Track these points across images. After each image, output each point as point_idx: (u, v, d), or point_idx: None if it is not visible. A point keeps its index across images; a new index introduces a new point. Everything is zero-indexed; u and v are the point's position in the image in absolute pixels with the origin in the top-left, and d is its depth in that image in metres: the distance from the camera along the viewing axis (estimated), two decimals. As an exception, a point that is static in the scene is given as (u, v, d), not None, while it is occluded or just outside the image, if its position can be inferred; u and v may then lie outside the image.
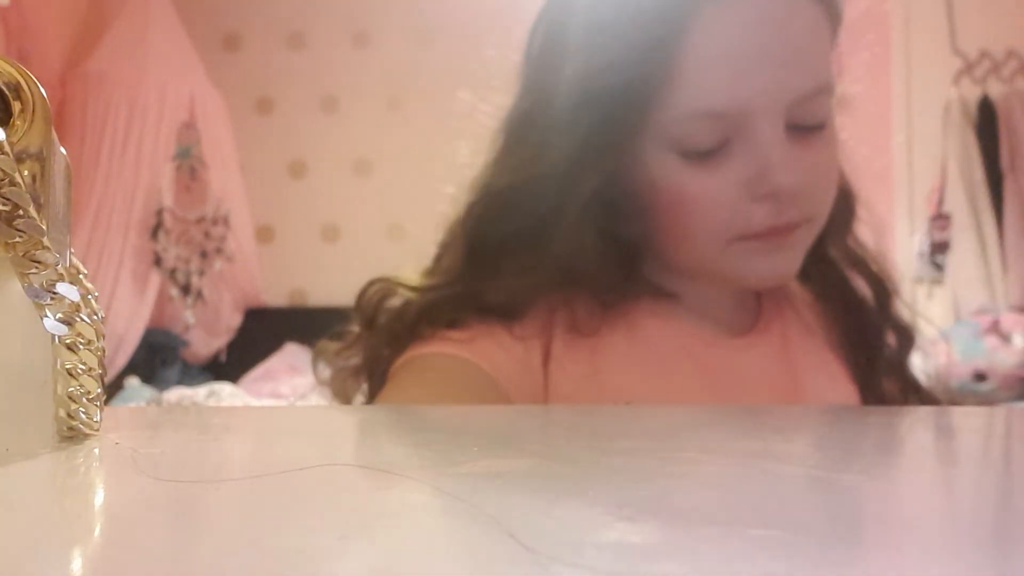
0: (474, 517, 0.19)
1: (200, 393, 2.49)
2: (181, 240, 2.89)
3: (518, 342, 0.58)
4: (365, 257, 2.90)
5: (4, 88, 0.27)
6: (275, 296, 3.25)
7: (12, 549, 0.17)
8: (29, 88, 0.27)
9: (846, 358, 0.67)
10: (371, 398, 0.62)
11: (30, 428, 0.28)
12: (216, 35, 3.25)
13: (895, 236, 2.64)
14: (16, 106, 0.27)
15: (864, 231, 0.67)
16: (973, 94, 2.69)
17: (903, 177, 2.74)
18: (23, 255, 0.25)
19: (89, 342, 0.29)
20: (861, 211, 0.67)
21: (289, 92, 3.28)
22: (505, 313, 0.59)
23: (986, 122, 2.65)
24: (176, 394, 2.52)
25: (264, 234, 3.28)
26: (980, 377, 2.18)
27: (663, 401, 0.58)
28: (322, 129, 3.27)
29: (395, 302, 0.63)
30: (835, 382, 0.65)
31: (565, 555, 0.16)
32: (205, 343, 3.04)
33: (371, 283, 0.64)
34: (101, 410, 0.30)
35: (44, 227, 0.26)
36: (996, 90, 2.68)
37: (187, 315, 2.93)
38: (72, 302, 0.27)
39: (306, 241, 3.29)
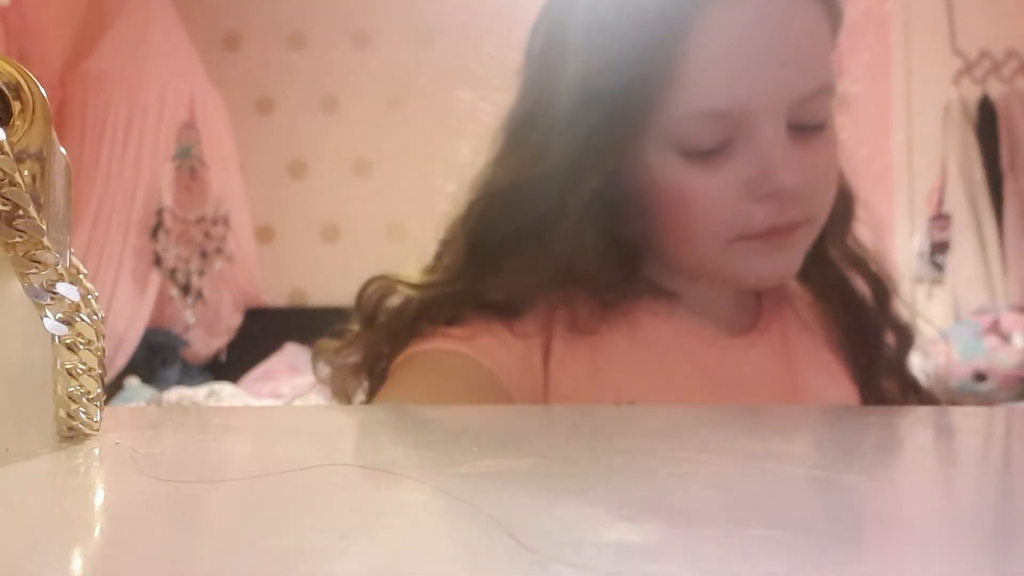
0: (474, 517, 0.19)
1: (200, 393, 2.49)
2: (181, 240, 2.89)
3: (519, 340, 0.58)
4: (365, 257, 2.89)
5: (4, 88, 0.27)
6: (275, 296, 3.25)
7: (12, 549, 0.17)
8: (29, 88, 0.27)
9: (846, 358, 0.67)
10: (371, 396, 0.62)
11: (30, 428, 0.28)
12: (216, 35, 3.25)
13: (895, 236, 2.65)
14: (16, 106, 0.27)
15: (863, 231, 0.68)
16: (973, 94, 2.69)
17: (903, 177, 2.74)
18: (23, 255, 0.25)
19: (89, 342, 0.29)
20: (860, 211, 0.67)
21: (289, 92, 3.28)
22: (505, 311, 0.59)
23: (986, 122, 2.65)
24: (176, 394, 2.52)
25: (264, 234, 3.29)
26: (980, 377, 2.18)
27: (663, 400, 0.58)
28: (322, 129, 3.27)
29: (395, 300, 0.63)
30: (835, 382, 0.65)
31: (565, 555, 0.16)
32: (205, 343, 3.04)
33: (371, 281, 0.64)
34: (101, 410, 0.30)
35: (44, 227, 0.26)
36: (996, 90, 2.68)
37: (187, 315, 2.93)
38: (72, 302, 0.27)
39: (306, 241, 3.29)
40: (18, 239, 0.25)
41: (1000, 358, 2.21)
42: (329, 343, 0.66)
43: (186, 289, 2.93)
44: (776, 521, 0.19)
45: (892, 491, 0.24)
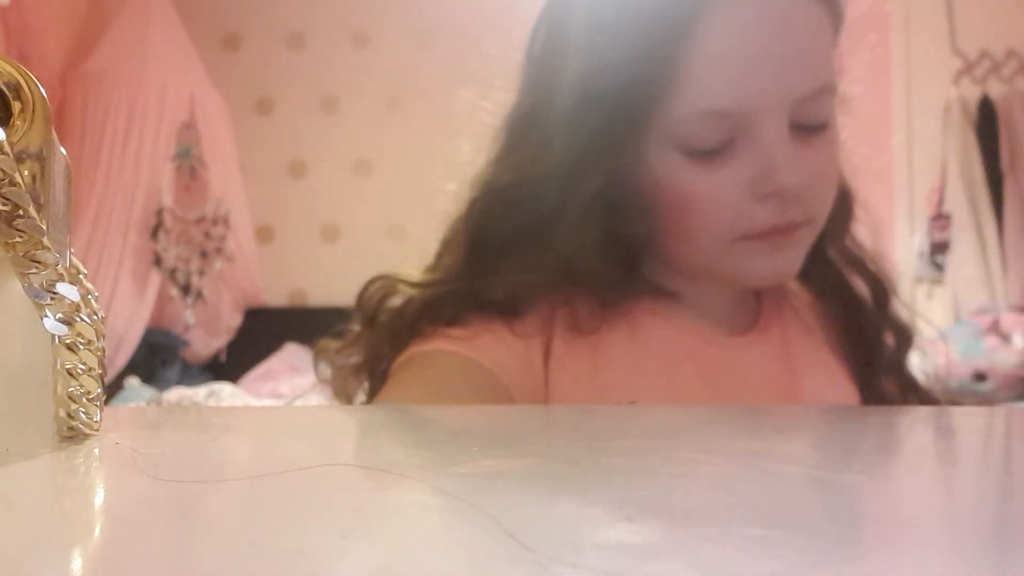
0: (474, 517, 0.19)
1: (200, 393, 2.49)
2: (181, 240, 2.89)
3: (519, 339, 0.58)
4: (365, 257, 2.89)
5: (4, 88, 0.27)
6: (275, 296, 3.25)
7: (12, 549, 0.17)
8: (29, 88, 0.27)
9: (845, 358, 0.67)
10: (372, 396, 0.62)
11: (30, 428, 0.28)
12: (216, 35, 3.25)
13: (895, 236, 2.65)
14: (16, 106, 0.27)
15: (862, 231, 0.68)
16: (973, 94, 2.69)
17: (903, 177, 2.74)
18: (23, 255, 0.25)
19: (89, 342, 0.29)
20: (859, 211, 0.67)
21: (289, 92, 3.28)
22: (506, 310, 0.59)
23: (986, 122, 2.65)
24: (176, 394, 2.52)
25: (264, 234, 3.29)
26: (980, 377, 2.18)
27: (663, 400, 0.58)
28: (322, 129, 3.27)
29: (396, 300, 0.63)
30: (835, 382, 0.65)
31: (565, 555, 0.16)
32: (205, 343, 3.04)
33: (372, 281, 0.64)
34: (101, 410, 0.30)
35: (44, 227, 0.26)
36: (996, 90, 2.68)
37: (187, 315, 2.93)
38: (72, 302, 0.27)
39: (306, 241, 3.29)
40: (18, 239, 0.25)
41: (1000, 358, 2.21)
42: (330, 343, 0.66)
43: (186, 289, 2.93)
44: (776, 521, 0.19)
45: (892, 491, 0.24)
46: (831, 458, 0.30)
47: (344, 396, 0.64)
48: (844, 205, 0.65)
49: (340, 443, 0.35)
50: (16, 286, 0.26)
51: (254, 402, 2.50)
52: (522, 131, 0.62)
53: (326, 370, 0.65)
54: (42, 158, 0.27)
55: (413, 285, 0.62)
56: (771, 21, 0.55)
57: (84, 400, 0.29)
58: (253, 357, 2.91)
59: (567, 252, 0.59)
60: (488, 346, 0.57)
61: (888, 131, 2.72)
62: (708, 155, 0.56)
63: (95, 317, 0.30)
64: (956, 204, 2.64)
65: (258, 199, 3.19)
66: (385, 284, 0.64)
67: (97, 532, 0.19)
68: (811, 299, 0.69)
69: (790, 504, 0.22)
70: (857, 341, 0.67)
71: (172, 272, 2.89)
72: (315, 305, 3.21)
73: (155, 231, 2.83)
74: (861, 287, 0.67)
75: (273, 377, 2.78)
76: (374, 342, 0.62)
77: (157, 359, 2.84)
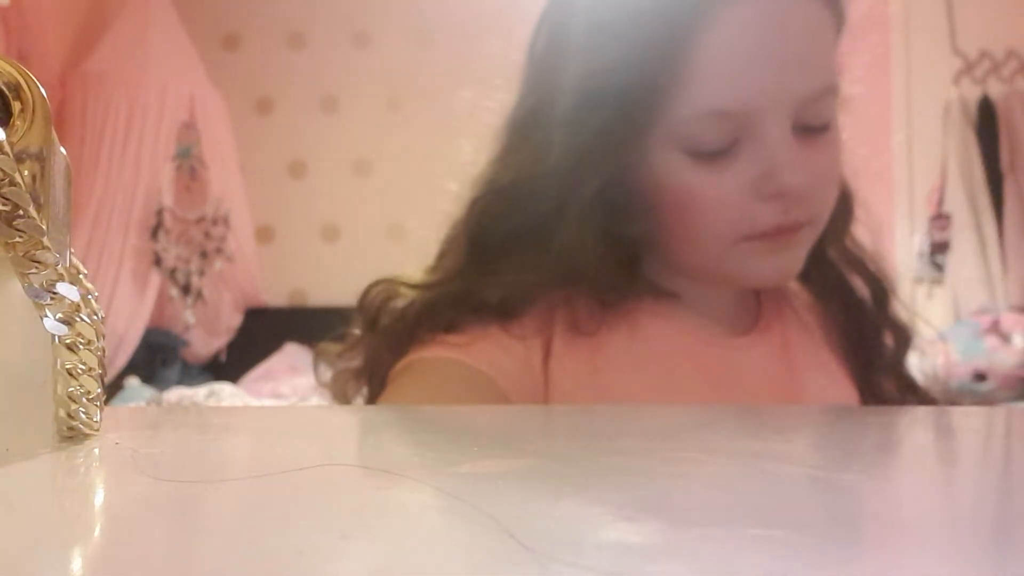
0: (474, 517, 0.19)
1: (200, 393, 2.49)
2: (181, 240, 2.89)
3: (517, 341, 0.58)
4: (365, 257, 2.90)
5: (4, 88, 0.27)
6: (275, 296, 3.25)
7: (12, 549, 0.17)
8: (29, 88, 0.27)
9: (845, 358, 0.67)
10: (371, 402, 0.62)
11: (30, 428, 0.28)
12: (216, 35, 3.25)
13: (895, 236, 2.65)
14: (16, 106, 0.27)
15: (862, 231, 0.68)
16: (973, 94, 2.69)
17: (903, 177, 2.75)
18: (23, 255, 0.25)
19: (89, 342, 0.29)
20: (859, 211, 0.67)
21: (289, 92, 3.28)
22: (503, 312, 0.59)
23: (986, 122, 2.65)
24: (176, 394, 2.51)
25: (264, 234, 3.29)
26: (980, 377, 2.18)
27: (663, 401, 0.58)
28: (322, 129, 3.27)
29: (398, 303, 0.63)
30: (835, 382, 0.65)
31: (565, 555, 0.16)
32: (205, 343, 3.04)
33: (374, 284, 0.64)
34: (101, 410, 0.30)
35: (44, 227, 0.26)
36: (996, 90, 2.68)
37: (187, 315, 2.93)
38: (72, 302, 0.27)
39: (306, 241, 3.29)
40: (18, 239, 0.25)
41: (1000, 358, 2.21)
42: (331, 347, 0.66)
43: (186, 289, 2.93)
44: (776, 521, 0.19)
45: (892, 491, 0.24)
46: (831, 458, 0.30)
47: (343, 400, 0.64)
48: (844, 205, 0.65)
49: (340, 443, 0.35)
50: (16, 286, 0.26)
51: (254, 402, 2.50)
52: (523, 131, 0.62)
53: (326, 373, 0.65)
54: (42, 158, 0.27)
55: (414, 287, 0.62)
56: (775, 21, 0.55)
57: (84, 400, 0.29)
58: (253, 357, 2.91)
59: (567, 252, 0.59)
60: (485, 351, 0.57)
61: (888, 131, 2.72)
62: (711, 155, 0.56)
63: (95, 317, 0.30)
64: (956, 204, 2.64)
65: (258, 199, 3.19)
66: (387, 288, 0.64)
67: (97, 532, 0.19)
68: (811, 299, 0.69)
69: (790, 504, 0.22)
70: (857, 341, 0.67)
71: (172, 272, 2.89)
72: (315, 305, 3.21)
73: (155, 231, 2.83)
74: (861, 287, 0.67)
75: (273, 377, 2.78)
76: (374, 347, 0.62)
77: (157, 359, 2.84)
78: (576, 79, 0.58)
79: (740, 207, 0.56)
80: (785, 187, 0.55)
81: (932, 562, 0.17)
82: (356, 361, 0.64)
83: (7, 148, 0.25)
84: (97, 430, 0.30)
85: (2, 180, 0.24)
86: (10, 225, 0.25)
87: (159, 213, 2.83)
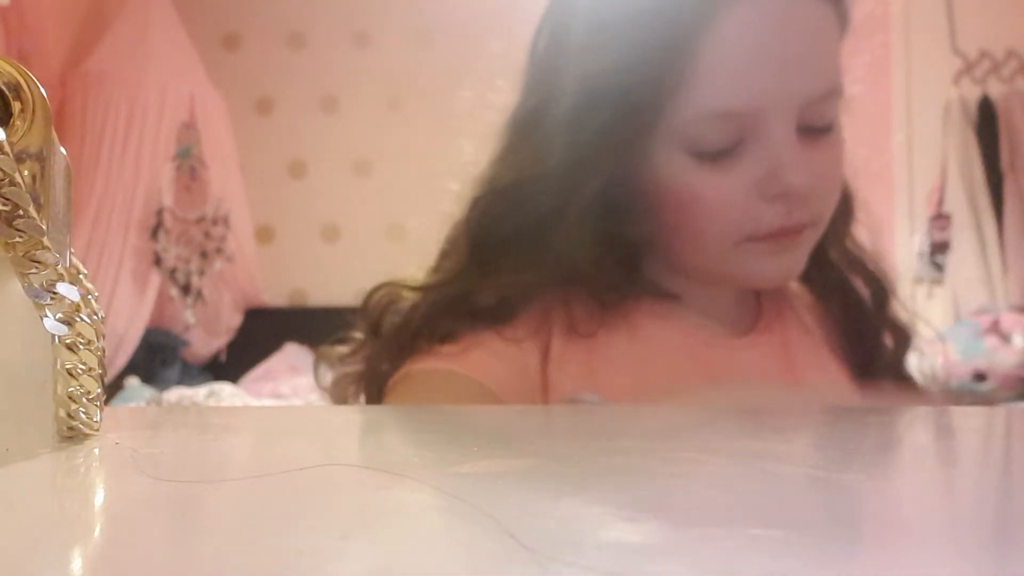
0: (474, 517, 0.19)
1: (200, 393, 2.49)
2: (181, 240, 2.89)
3: (511, 344, 0.58)
4: (365, 257, 2.90)
5: (4, 88, 0.27)
6: (275, 296, 3.25)
7: (12, 549, 0.17)
8: (29, 88, 0.27)
9: (845, 358, 0.67)
10: None
11: (30, 428, 0.28)
12: (216, 35, 3.25)
13: (895, 236, 2.65)
14: (16, 106, 0.27)
15: (862, 232, 0.68)
16: (973, 94, 2.69)
17: (903, 177, 2.75)
18: (23, 255, 0.25)
19: (89, 342, 0.29)
20: (859, 212, 0.67)
21: (289, 92, 3.28)
22: (497, 316, 0.59)
23: (986, 122, 2.65)
24: (176, 394, 2.51)
25: (264, 234, 3.28)
26: (980, 377, 2.18)
27: (663, 401, 0.58)
28: (322, 129, 3.27)
29: (401, 306, 0.62)
30: (835, 382, 0.65)
31: (565, 555, 0.16)
32: (205, 343, 3.04)
33: (376, 288, 0.64)
34: (101, 410, 0.30)
35: (44, 227, 0.26)
36: (996, 90, 2.68)
37: (187, 315, 2.93)
38: (72, 302, 0.27)
39: (306, 241, 3.29)
40: (18, 239, 0.25)
41: (1000, 358, 2.21)
42: (332, 350, 0.66)
43: (186, 289, 2.93)
44: (776, 521, 0.19)
45: (892, 491, 0.24)
46: (831, 458, 0.30)
47: (343, 404, 0.64)
48: (845, 206, 0.65)
49: (340, 443, 0.35)
50: (16, 286, 0.26)
51: (254, 402, 2.50)
52: (525, 130, 0.62)
53: (326, 376, 0.65)
54: (42, 158, 0.27)
55: (416, 289, 0.62)
56: (779, 22, 0.55)
57: (84, 400, 0.29)
58: (253, 357, 2.91)
59: (567, 252, 0.59)
60: (478, 359, 0.57)
61: (888, 131, 2.72)
62: (715, 156, 0.56)
63: (95, 317, 0.30)
64: (956, 204, 2.64)
65: (258, 199, 3.19)
66: (389, 291, 0.63)
67: (97, 532, 0.19)
68: (812, 300, 0.69)
69: (790, 504, 0.22)
70: (856, 342, 0.67)
71: (172, 272, 2.89)
72: (315, 305, 3.21)
73: (155, 231, 2.83)
74: (861, 288, 0.67)
75: (273, 377, 2.78)
76: (375, 354, 0.62)
77: (157, 359, 2.84)
78: (578, 79, 0.58)
79: (743, 208, 0.56)
80: (789, 188, 0.55)
81: (932, 562, 0.17)
82: (357, 366, 0.64)
83: (7, 148, 0.25)
84: (97, 430, 0.30)
85: (2, 180, 0.24)
86: (10, 225, 0.25)
87: (159, 213, 2.83)
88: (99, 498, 0.23)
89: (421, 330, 0.60)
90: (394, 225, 3.12)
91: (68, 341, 0.28)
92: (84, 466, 0.26)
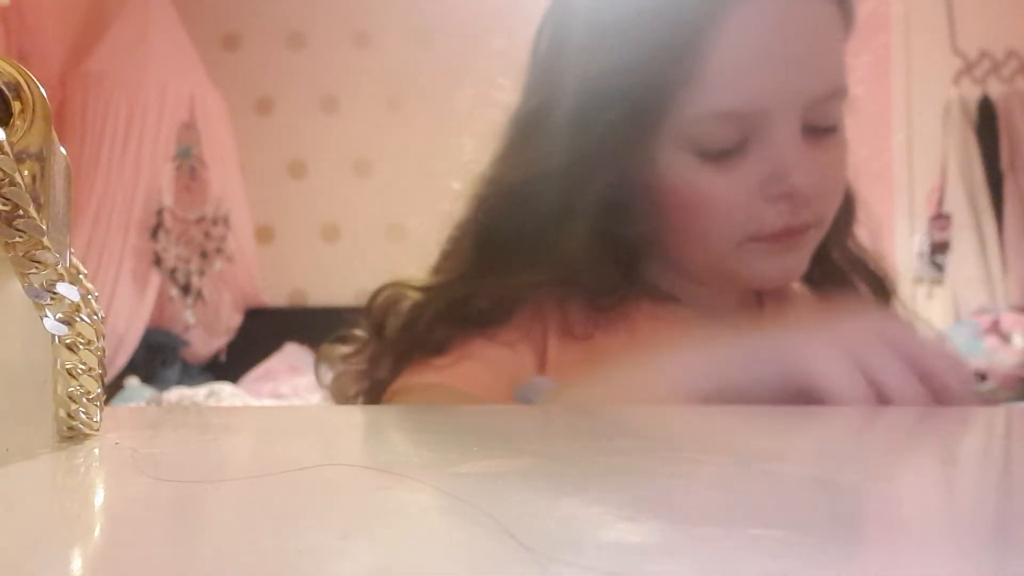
0: (474, 517, 0.19)
1: (200, 393, 2.49)
2: (181, 240, 2.89)
3: (504, 348, 0.58)
4: (365, 257, 2.90)
5: (4, 88, 0.27)
6: (275, 296, 3.25)
7: (12, 549, 0.17)
8: (29, 88, 0.27)
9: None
10: None
11: (30, 428, 0.28)
12: (216, 35, 3.25)
13: (895, 236, 2.65)
14: (16, 106, 0.27)
15: (862, 232, 0.68)
16: (973, 94, 2.69)
17: (903, 177, 2.75)
18: (23, 255, 0.25)
19: (89, 342, 0.29)
20: (860, 212, 0.67)
21: (289, 92, 3.28)
22: (491, 320, 0.59)
23: (986, 122, 2.66)
24: (176, 394, 2.52)
25: (264, 234, 3.29)
26: (980, 377, 2.18)
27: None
28: (322, 129, 3.27)
29: (403, 305, 0.62)
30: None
31: (565, 555, 0.16)
32: (205, 343, 3.04)
33: (381, 289, 0.64)
34: (101, 410, 0.30)
35: (44, 227, 0.26)
36: (996, 90, 2.68)
37: (187, 315, 2.93)
38: (72, 302, 0.27)
39: (306, 241, 3.29)
40: (18, 239, 0.25)
41: (1000, 358, 2.21)
42: (334, 349, 0.66)
43: (186, 289, 2.93)
44: (776, 521, 0.19)
45: (892, 491, 0.24)
46: (831, 458, 0.30)
47: (343, 402, 0.64)
48: (847, 206, 0.65)
49: (340, 443, 0.35)
50: (16, 286, 0.26)
51: (254, 402, 2.50)
52: (527, 129, 0.62)
53: (327, 375, 0.65)
54: (42, 158, 0.27)
55: (420, 290, 0.62)
56: (784, 22, 0.55)
57: (84, 400, 0.29)
58: (253, 357, 2.91)
59: (570, 253, 0.59)
60: (469, 371, 0.57)
61: (888, 131, 2.72)
62: (719, 156, 0.56)
63: (95, 317, 0.30)
64: (956, 204, 2.64)
65: (258, 199, 3.19)
66: (394, 292, 0.63)
67: (97, 532, 0.19)
68: (813, 300, 0.69)
69: (790, 504, 0.22)
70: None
71: (172, 272, 2.89)
72: (315, 305, 3.21)
73: (155, 231, 2.83)
74: (862, 288, 0.67)
75: (273, 377, 2.79)
76: (377, 356, 0.62)
77: (157, 359, 2.84)
78: (582, 79, 0.58)
79: (747, 208, 0.56)
80: (793, 188, 0.55)
81: (932, 562, 0.17)
82: (360, 365, 0.64)
83: (7, 148, 0.25)
84: (97, 430, 0.30)
85: (2, 180, 0.24)
86: (10, 225, 0.25)
87: (159, 213, 2.83)
88: (99, 498, 0.23)
89: (420, 340, 0.59)
90: (394, 225, 3.12)
91: (68, 341, 0.28)
92: (84, 466, 0.26)
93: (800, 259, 0.59)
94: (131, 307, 2.77)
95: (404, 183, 2.95)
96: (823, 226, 0.59)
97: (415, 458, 0.28)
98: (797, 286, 0.69)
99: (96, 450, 0.28)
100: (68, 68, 2.79)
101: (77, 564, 0.17)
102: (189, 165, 2.91)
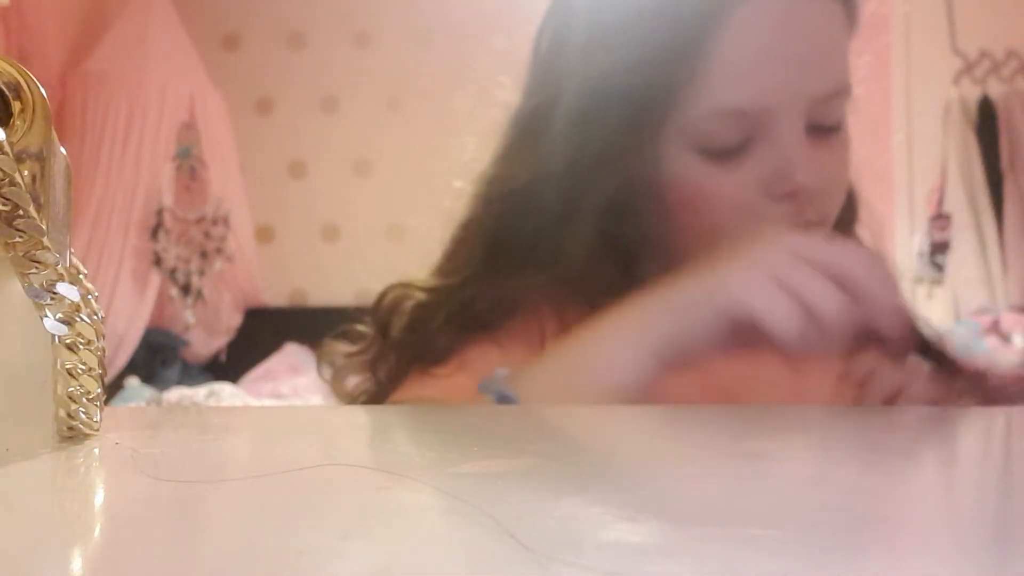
0: (474, 517, 0.19)
1: (200, 393, 2.49)
2: (181, 240, 2.89)
3: (498, 348, 0.58)
4: (365, 257, 2.90)
5: (4, 88, 0.27)
6: (275, 296, 3.25)
7: (12, 549, 0.17)
8: (29, 88, 0.27)
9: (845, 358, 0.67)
10: None
11: (30, 428, 0.28)
12: (216, 35, 3.25)
13: (895, 236, 2.65)
14: (16, 106, 0.27)
15: (864, 232, 0.68)
16: (973, 94, 2.69)
17: (903, 177, 2.74)
18: (23, 255, 0.25)
19: (89, 342, 0.29)
20: (862, 212, 0.67)
21: (289, 92, 3.28)
22: (490, 322, 0.59)
23: (986, 122, 2.65)
24: (176, 394, 2.51)
25: (264, 234, 3.28)
26: (980, 377, 2.18)
27: (663, 401, 0.58)
28: (322, 129, 3.27)
29: (410, 306, 0.62)
30: (835, 383, 0.65)
31: (565, 555, 0.16)
32: (205, 343, 3.04)
33: (388, 290, 0.64)
34: (101, 410, 0.30)
35: (44, 227, 0.26)
36: (996, 90, 2.68)
37: (187, 315, 2.93)
38: (72, 302, 0.27)
39: (306, 241, 3.29)
40: (18, 239, 0.25)
41: (1000, 358, 2.21)
42: (336, 346, 0.66)
43: (186, 289, 2.93)
44: (776, 521, 0.19)
45: (892, 491, 0.24)
46: (831, 458, 0.30)
47: (346, 400, 0.64)
48: (849, 206, 0.65)
49: (340, 443, 0.35)
50: (16, 286, 0.26)
51: (254, 402, 2.50)
52: (528, 129, 0.62)
53: (328, 372, 0.65)
54: (42, 158, 0.27)
55: (427, 291, 0.62)
56: (789, 21, 0.55)
57: (84, 400, 0.29)
58: (253, 357, 2.91)
59: (574, 253, 0.59)
60: (463, 386, 0.57)
61: (888, 131, 2.72)
62: (723, 155, 0.56)
63: (95, 317, 0.30)
64: (956, 204, 2.64)
65: (258, 199, 3.19)
66: (401, 292, 0.63)
67: (97, 532, 0.19)
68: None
69: (790, 504, 0.22)
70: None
71: (172, 272, 2.89)
72: (315, 305, 3.21)
73: (155, 231, 2.83)
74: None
75: (273, 377, 2.78)
76: (380, 357, 0.62)
77: (157, 359, 2.84)
78: (583, 79, 0.58)
79: (751, 207, 0.56)
80: (797, 187, 0.55)
81: (932, 562, 0.17)
82: (363, 358, 0.63)
83: (7, 148, 0.25)
84: (97, 430, 0.30)
85: (2, 180, 0.24)
86: (10, 225, 0.25)
87: (159, 213, 2.83)
88: (99, 498, 0.23)
89: (425, 345, 0.59)
90: (394, 225, 3.12)
91: (68, 341, 0.28)
92: (84, 466, 0.26)
93: None
94: (131, 307, 2.77)
95: (404, 183, 2.95)
96: (826, 225, 0.59)
97: (415, 458, 0.28)
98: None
99: (96, 450, 0.28)
100: (68, 68, 2.79)
101: (77, 564, 0.17)
102: (189, 165, 2.91)
